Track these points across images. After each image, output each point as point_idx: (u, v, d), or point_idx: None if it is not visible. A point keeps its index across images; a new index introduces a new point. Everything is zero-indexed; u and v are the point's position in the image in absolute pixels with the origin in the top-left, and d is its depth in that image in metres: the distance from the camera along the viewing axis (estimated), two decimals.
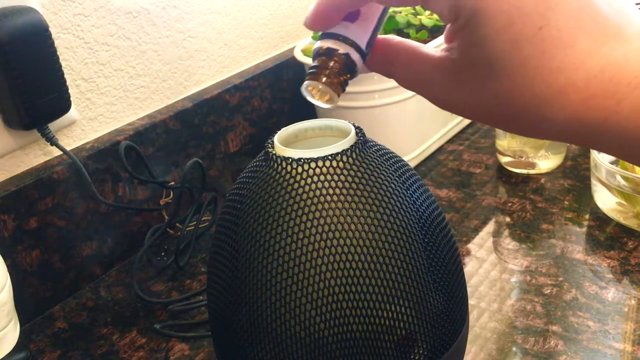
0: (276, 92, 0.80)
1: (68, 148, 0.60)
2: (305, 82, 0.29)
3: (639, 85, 0.23)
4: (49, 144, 0.57)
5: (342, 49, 0.29)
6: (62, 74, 0.55)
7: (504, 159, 0.74)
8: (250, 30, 0.79)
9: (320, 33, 0.30)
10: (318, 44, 0.29)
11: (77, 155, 0.59)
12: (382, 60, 0.30)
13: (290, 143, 0.38)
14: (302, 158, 0.33)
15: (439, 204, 0.38)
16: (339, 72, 0.29)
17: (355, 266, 0.32)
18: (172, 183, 0.67)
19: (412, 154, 0.74)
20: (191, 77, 0.72)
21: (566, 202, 0.66)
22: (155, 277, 0.62)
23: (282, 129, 0.37)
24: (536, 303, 0.52)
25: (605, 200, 0.62)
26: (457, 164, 0.76)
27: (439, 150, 0.80)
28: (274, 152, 0.35)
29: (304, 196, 0.33)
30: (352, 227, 0.32)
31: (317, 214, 0.32)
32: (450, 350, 0.36)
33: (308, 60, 0.70)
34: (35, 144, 0.58)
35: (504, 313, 0.52)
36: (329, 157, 0.33)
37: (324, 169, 0.33)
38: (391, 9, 0.66)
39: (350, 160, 0.34)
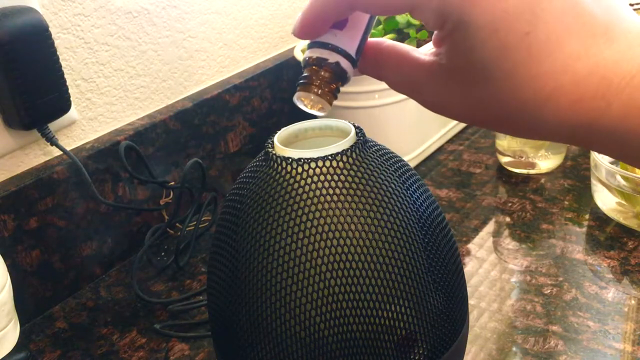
0: (276, 92, 0.80)
1: (68, 148, 0.60)
2: (297, 93, 0.30)
3: (628, 87, 0.23)
4: (49, 144, 0.57)
5: (331, 58, 0.29)
6: (62, 74, 0.55)
7: (504, 159, 0.74)
8: (250, 30, 0.79)
9: (308, 41, 0.29)
10: (307, 53, 0.29)
11: (77, 155, 0.59)
12: (373, 64, 0.30)
13: (290, 143, 0.38)
14: (302, 158, 0.33)
15: (439, 204, 0.38)
16: (330, 81, 0.29)
17: (355, 266, 0.32)
18: (172, 183, 0.67)
19: (412, 154, 0.74)
20: (191, 77, 0.72)
21: (566, 202, 0.66)
22: (155, 277, 0.62)
23: (282, 129, 0.37)
24: (536, 303, 0.52)
25: (605, 200, 0.62)
26: (457, 164, 0.76)
27: (439, 150, 0.80)
28: (274, 152, 0.35)
29: (304, 196, 0.33)
30: (352, 227, 0.32)
31: (317, 214, 0.32)
32: (450, 350, 0.36)
33: None
34: (35, 144, 0.58)
35: (504, 313, 0.52)
36: (329, 157, 0.33)
37: (324, 169, 0.33)
38: None
39: (350, 160, 0.34)
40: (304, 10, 0.28)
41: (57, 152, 0.60)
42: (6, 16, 0.50)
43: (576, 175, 0.71)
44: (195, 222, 0.67)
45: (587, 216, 0.64)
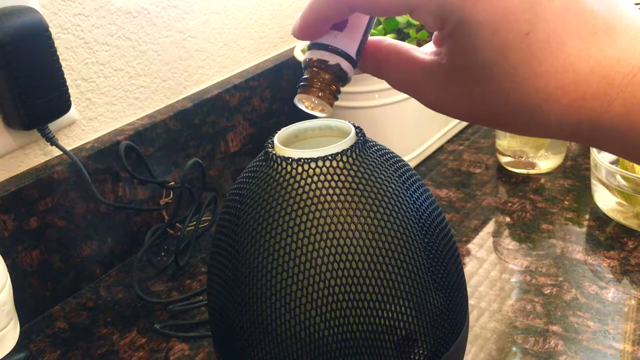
0: (276, 92, 0.80)
1: (68, 148, 0.60)
2: (298, 95, 0.30)
3: (630, 85, 0.23)
4: (49, 144, 0.57)
5: (332, 60, 0.29)
6: (62, 74, 0.55)
7: (504, 159, 0.74)
8: (250, 30, 0.79)
9: (308, 43, 0.29)
10: (308, 54, 0.29)
11: (77, 155, 0.59)
12: (373, 63, 0.30)
13: (290, 143, 0.38)
14: (302, 158, 0.33)
15: (439, 204, 0.38)
16: (331, 83, 0.29)
17: (355, 266, 0.32)
18: (172, 183, 0.67)
19: (412, 154, 0.74)
20: (191, 77, 0.72)
21: (566, 202, 0.66)
22: (155, 277, 0.62)
23: (282, 129, 0.37)
24: (536, 303, 0.52)
25: (605, 200, 0.62)
26: (457, 164, 0.76)
27: (439, 150, 0.80)
28: (274, 152, 0.35)
29: (304, 196, 0.33)
30: (352, 227, 0.32)
31: (317, 214, 0.32)
32: (450, 350, 0.36)
33: None
34: (35, 144, 0.58)
35: (504, 313, 0.52)
36: (329, 157, 0.33)
37: (324, 169, 0.33)
38: None
39: (350, 160, 0.34)
40: (303, 12, 0.28)
41: (57, 152, 0.60)
42: (6, 16, 0.50)
43: (576, 175, 0.71)
44: (195, 222, 0.67)
45: (587, 216, 0.64)
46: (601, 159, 0.60)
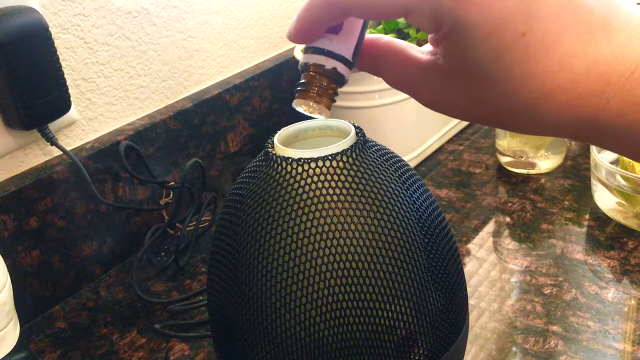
0: (276, 92, 0.80)
1: (68, 148, 0.60)
2: (296, 100, 0.30)
3: (627, 83, 0.23)
4: (49, 144, 0.57)
5: (328, 64, 0.29)
6: (62, 74, 0.55)
7: (504, 159, 0.74)
8: (250, 30, 0.79)
9: (304, 46, 0.29)
10: (304, 58, 0.29)
11: (77, 155, 0.59)
12: (370, 62, 0.30)
13: (290, 143, 0.38)
14: (302, 158, 0.33)
15: (439, 204, 0.38)
16: (328, 87, 0.29)
17: (355, 266, 0.32)
18: (172, 183, 0.67)
19: (412, 154, 0.74)
20: (191, 77, 0.72)
21: (566, 202, 0.66)
22: (155, 277, 0.62)
23: (282, 129, 0.37)
24: (536, 303, 0.52)
25: (605, 200, 0.62)
26: (457, 164, 0.76)
27: (439, 150, 0.80)
28: (274, 152, 0.35)
29: (304, 196, 0.33)
30: (352, 227, 0.32)
31: (317, 214, 0.32)
32: (450, 350, 0.36)
33: None
34: (35, 144, 0.58)
35: (504, 313, 0.52)
36: (329, 157, 0.33)
37: (324, 169, 0.33)
38: None
39: (350, 160, 0.34)
40: (298, 15, 0.28)
41: (57, 152, 0.60)
42: (6, 16, 0.50)
43: (576, 175, 0.71)
44: (195, 222, 0.67)
45: (587, 216, 0.64)
46: (601, 159, 0.60)
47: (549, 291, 0.53)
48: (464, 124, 0.84)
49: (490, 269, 0.57)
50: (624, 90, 0.23)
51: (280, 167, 0.34)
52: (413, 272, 0.33)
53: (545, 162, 0.72)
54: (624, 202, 0.60)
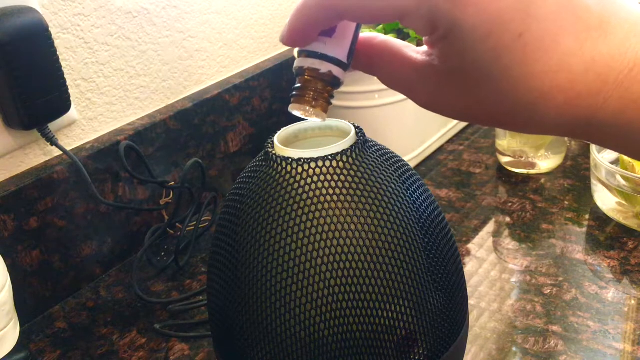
0: (276, 92, 0.80)
1: (68, 148, 0.60)
2: (292, 105, 0.30)
3: (625, 81, 0.23)
4: (49, 144, 0.57)
5: (323, 68, 0.28)
6: (62, 74, 0.55)
7: (504, 159, 0.74)
8: (250, 30, 0.79)
9: (298, 49, 0.29)
10: (298, 62, 0.29)
11: (77, 155, 0.59)
12: (365, 61, 0.30)
13: (290, 143, 0.38)
14: (302, 158, 0.33)
15: (439, 204, 0.38)
16: (324, 91, 0.29)
17: (355, 266, 0.32)
18: (172, 183, 0.67)
19: (412, 154, 0.74)
20: (191, 77, 0.72)
21: (566, 202, 0.66)
22: (155, 277, 0.62)
23: (282, 129, 0.37)
24: (536, 303, 0.52)
25: (605, 200, 0.62)
26: (457, 164, 0.76)
27: (439, 150, 0.80)
28: (274, 152, 0.35)
29: (304, 196, 0.33)
30: (352, 227, 0.32)
31: (317, 214, 0.32)
32: (450, 350, 0.36)
33: None
34: (35, 144, 0.58)
35: (504, 313, 0.52)
36: (329, 157, 0.33)
37: (324, 169, 0.33)
38: None
39: (350, 160, 0.34)
40: (290, 19, 0.27)
41: (57, 152, 0.60)
42: (6, 16, 0.50)
43: (576, 175, 0.71)
44: (195, 222, 0.67)
45: (587, 216, 0.64)
46: (601, 159, 0.60)
47: (549, 291, 0.53)
48: (464, 123, 0.84)
49: (490, 269, 0.57)
50: (622, 89, 0.23)
51: (280, 167, 0.34)
52: (413, 272, 0.33)
53: (545, 162, 0.72)
54: (624, 202, 0.60)
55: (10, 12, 0.50)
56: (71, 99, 0.57)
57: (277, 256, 0.32)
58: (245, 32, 0.78)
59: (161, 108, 0.69)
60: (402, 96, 0.68)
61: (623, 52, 0.23)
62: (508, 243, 0.61)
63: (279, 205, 0.33)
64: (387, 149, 0.37)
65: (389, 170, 0.35)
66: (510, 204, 0.67)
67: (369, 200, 0.33)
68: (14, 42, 0.50)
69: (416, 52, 0.28)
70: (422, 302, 0.34)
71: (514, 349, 0.48)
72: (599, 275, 0.55)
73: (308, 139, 0.38)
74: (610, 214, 0.62)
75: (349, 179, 0.33)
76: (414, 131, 0.74)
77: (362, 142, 0.35)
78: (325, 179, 0.33)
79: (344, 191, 0.33)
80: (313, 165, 0.33)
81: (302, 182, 0.33)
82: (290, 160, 0.33)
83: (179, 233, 0.68)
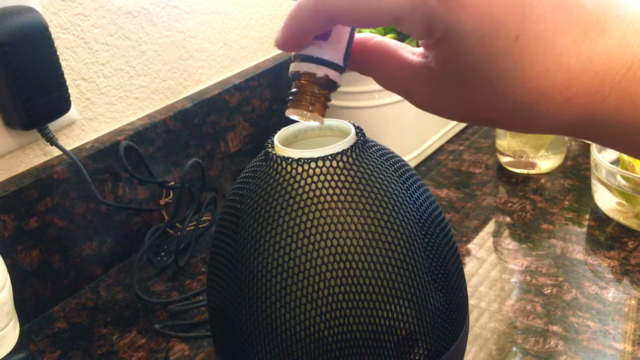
0: (276, 92, 0.80)
1: (68, 148, 0.60)
2: (289, 109, 0.29)
3: (623, 81, 0.22)
4: (49, 144, 0.57)
5: (319, 72, 0.28)
6: (62, 74, 0.55)
7: (504, 159, 0.74)
8: (250, 30, 0.79)
9: (293, 53, 0.29)
10: (294, 67, 0.29)
11: (77, 155, 0.59)
12: (361, 62, 0.29)
13: (290, 143, 0.38)
14: (302, 158, 0.33)
15: (439, 204, 0.38)
16: (320, 95, 0.29)
17: (355, 266, 0.32)
18: (172, 183, 0.67)
19: (412, 154, 0.74)
20: (191, 77, 0.72)
21: (566, 202, 0.66)
22: (155, 277, 0.62)
23: (282, 129, 0.37)
24: (536, 303, 0.52)
25: (606, 200, 0.62)
26: (457, 164, 0.76)
27: (439, 150, 0.80)
28: (274, 152, 0.35)
29: (304, 196, 0.33)
30: (352, 227, 0.32)
31: (317, 214, 0.32)
32: (450, 350, 0.36)
33: None
34: (35, 144, 0.58)
35: (504, 313, 0.52)
36: (329, 157, 0.33)
37: (324, 169, 0.33)
38: None
39: (350, 160, 0.34)
40: (284, 23, 0.27)
41: (57, 152, 0.60)
42: (6, 16, 0.50)
43: (576, 175, 0.71)
44: (195, 222, 0.67)
45: (587, 216, 0.64)
46: (601, 159, 0.60)
47: (549, 291, 0.53)
48: (464, 123, 0.84)
49: (490, 269, 0.57)
50: (620, 88, 0.23)
51: (280, 167, 0.34)
52: (413, 272, 0.33)
53: (546, 162, 0.72)
54: (624, 202, 0.60)
55: (10, 12, 0.50)
56: (71, 99, 0.57)
57: (277, 256, 0.32)
58: (245, 32, 0.78)
59: (161, 108, 0.69)
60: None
61: (621, 50, 0.22)
62: (508, 243, 0.61)
63: (279, 205, 0.33)
64: (387, 149, 0.37)
65: (389, 170, 0.35)
66: (510, 204, 0.67)
67: (369, 200, 0.33)
68: (13, 42, 0.50)
69: (412, 53, 0.27)
70: (422, 302, 0.34)
71: (514, 349, 0.48)
72: (599, 275, 0.55)
73: (308, 139, 0.38)
74: (611, 214, 0.62)
75: (349, 179, 0.33)
76: (414, 131, 0.74)
77: (362, 142, 0.35)
78: (325, 179, 0.33)
79: (344, 191, 0.33)
80: (313, 165, 0.33)
81: (302, 182, 0.33)
82: (290, 160, 0.33)
83: (179, 233, 0.68)
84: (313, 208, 0.32)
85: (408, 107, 0.70)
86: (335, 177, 0.33)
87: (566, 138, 0.73)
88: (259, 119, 0.78)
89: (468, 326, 0.39)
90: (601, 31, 0.23)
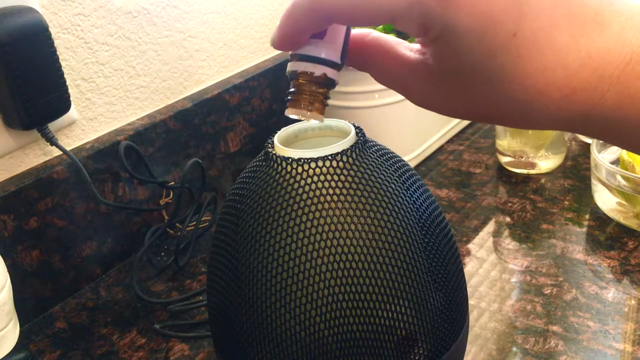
0: (276, 92, 0.80)
1: (68, 148, 0.60)
2: (288, 109, 0.29)
3: (621, 76, 0.22)
4: (49, 144, 0.57)
5: (317, 71, 0.28)
6: (62, 74, 0.55)
7: (504, 159, 0.74)
8: (250, 30, 0.79)
9: (290, 52, 0.29)
10: (292, 66, 0.29)
11: (77, 155, 0.59)
12: (358, 58, 0.29)
13: (290, 143, 0.38)
14: (302, 158, 0.33)
15: (439, 204, 0.38)
16: (319, 93, 0.29)
17: (355, 266, 0.32)
18: (172, 183, 0.67)
19: (412, 154, 0.74)
20: (191, 77, 0.72)
21: (566, 202, 0.66)
22: (155, 277, 0.62)
23: (282, 129, 0.37)
24: (536, 303, 0.52)
25: (606, 200, 0.62)
26: (457, 164, 0.76)
27: (439, 150, 0.80)
28: (274, 152, 0.35)
29: (304, 196, 0.33)
30: (352, 227, 0.32)
31: (317, 214, 0.32)
32: (450, 350, 0.36)
33: None
34: (35, 144, 0.58)
35: (504, 313, 0.52)
36: (329, 157, 0.33)
37: (324, 169, 0.33)
38: None
39: (350, 160, 0.34)
40: (280, 22, 0.27)
41: (57, 152, 0.60)
42: (6, 16, 0.50)
43: (576, 175, 0.71)
44: (195, 222, 0.67)
45: (587, 216, 0.64)
46: (601, 159, 0.60)
47: (549, 291, 0.53)
48: (464, 123, 0.84)
49: (490, 269, 0.57)
50: (619, 83, 0.22)
51: (280, 167, 0.34)
52: (413, 272, 0.33)
53: (546, 162, 0.72)
54: (624, 202, 0.60)
55: (10, 12, 0.50)
56: (71, 99, 0.57)
57: (277, 256, 0.32)
58: (245, 32, 0.78)
59: (161, 108, 0.69)
60: (402, 96, 0.69)
61: (619, 45, 0.22)
62: (508, 243, 0.61)
63: (279, 205, 0.33)
64: (387, 149, 0.37)
65: (389, 170, 0.35)
66: (510, 204, 0.67)
67: (369, 200, 0.33)
68: (13, 42, 0.50)
69: (409, 49, 0.27)
70: (422, 302, 0.34)
71: (514, 349, 0.48)
72: (599, 275, 0.55)
73: (308, 139, 0.38)
74: (611, 214, 0.62)
75: (349, 179, 0.33)
76: (414, 131, 0.74)
77: (362, 142, 0.35)
78: (325, 179, 0.33)
79: (344, 191, 0.33)
80: (313, 165, 0.33)
81: (302, 182, 0.33)
82: (290, 160, 0.33)
83: (179, 233, 0.68)
84: (313, 208, 0.32)
85: (408, 107, 0.70)
86: (335, 177, 0.33)
87: (566, 138, 0.73)
88: (259, 119, 0.78)
89: (468, 326, 0.39)
90: (599, 25, 0.23)
